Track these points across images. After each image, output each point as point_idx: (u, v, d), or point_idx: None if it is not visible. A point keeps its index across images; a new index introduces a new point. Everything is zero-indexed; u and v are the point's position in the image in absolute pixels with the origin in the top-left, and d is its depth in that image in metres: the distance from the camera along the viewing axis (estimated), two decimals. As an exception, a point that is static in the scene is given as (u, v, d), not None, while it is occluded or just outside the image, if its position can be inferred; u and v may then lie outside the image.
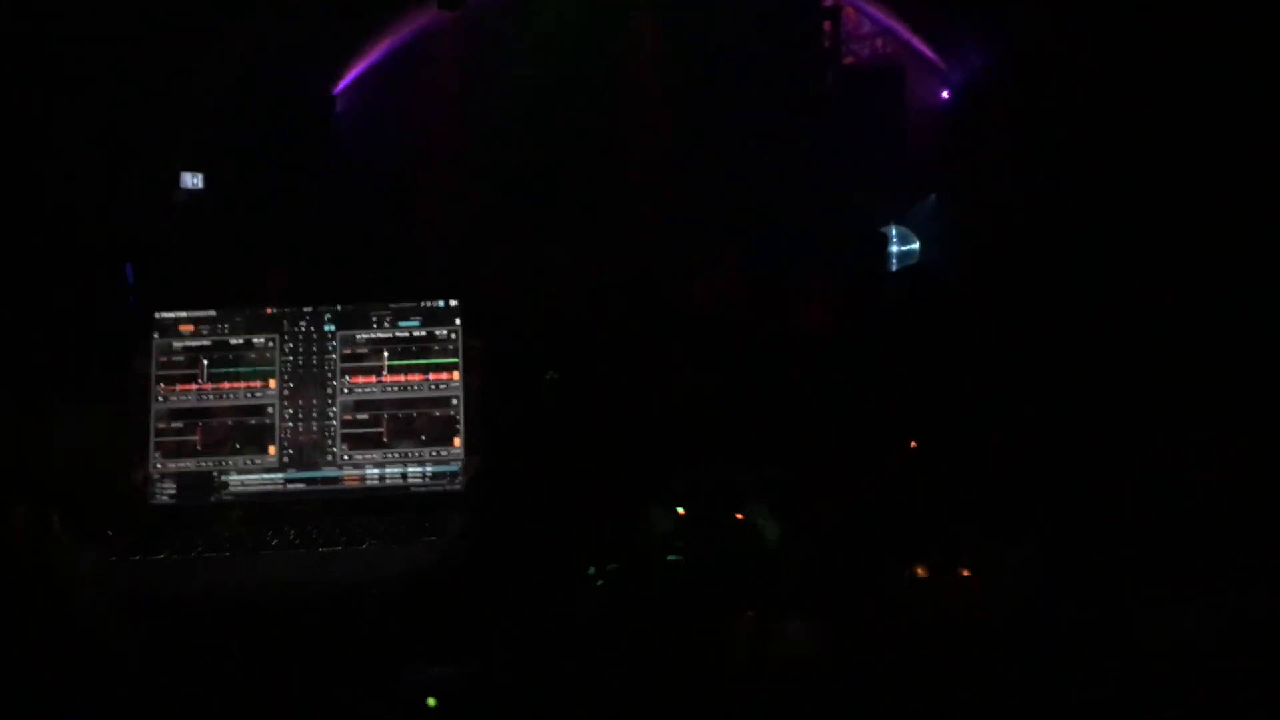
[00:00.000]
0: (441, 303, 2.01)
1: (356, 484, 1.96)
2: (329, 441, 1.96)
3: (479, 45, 6.91)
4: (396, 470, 1.96)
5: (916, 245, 6.87)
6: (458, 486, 1.96)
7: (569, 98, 5.58)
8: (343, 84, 7.38)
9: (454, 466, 1.96)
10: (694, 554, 1.70)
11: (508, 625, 1.63)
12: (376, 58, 7.59)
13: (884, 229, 6.27)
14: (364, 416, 1.97)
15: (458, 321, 2.01)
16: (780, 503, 1.79)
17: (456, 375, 1.99)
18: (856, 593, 1.49)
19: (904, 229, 6.92)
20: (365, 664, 1.48)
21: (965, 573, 1.51)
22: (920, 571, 1.52)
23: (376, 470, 1.96)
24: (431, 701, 1.36)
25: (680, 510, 1.87)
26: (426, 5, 7.10)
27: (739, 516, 1.84)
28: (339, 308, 2.00)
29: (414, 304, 2.01)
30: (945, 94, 7.18)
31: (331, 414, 1.97)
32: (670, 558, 1.70)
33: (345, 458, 1.96)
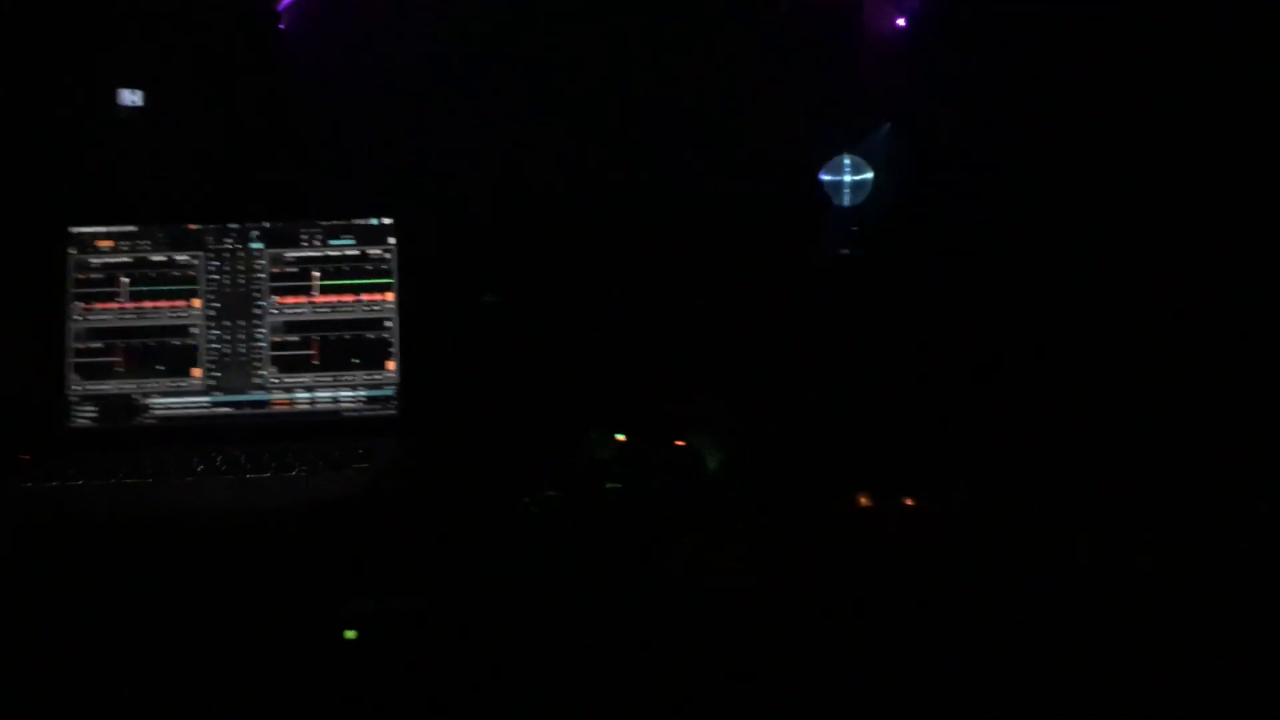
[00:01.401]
0: (375, 221, 1.93)
1: (286, 408, 1.89)
2: (257, 364, 1.89)
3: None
4: (328, 394, 1.89)
5: (870, 175, 6.75)
6: (392, 411, 1.89)
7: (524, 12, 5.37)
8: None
9: (388, 390, 1.90)
10: (632, 481, 1.66)
11: (443, 554, 1.58)
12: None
13: (838, 157, 6.21)
14: (294, 339, 1.90)
15: (392, 240, 1.93)
16: (723, 430, 1.75)
17: (390, 296, 1.91)
18: (797, 519, 1.46)
19: (858, 158, 6.80)
20: (294, 595, 1.43)
21: (909, 501, 1.49)
22: (863, 500, 1.49)
23: (307, 394, 1.89)
24: (350, 634, 1.31)
25: (620, 437, 1.82)
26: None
27: (680, 444, 1.80)
28: (266, 225, 1.91)
29: (346, 222, 1.93)
30: (901, 21, 7.09)
31: (259, 335, 1.89)
32: (609, 485, 1.66)
33: (274, 381, 1.89)
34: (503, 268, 1.98)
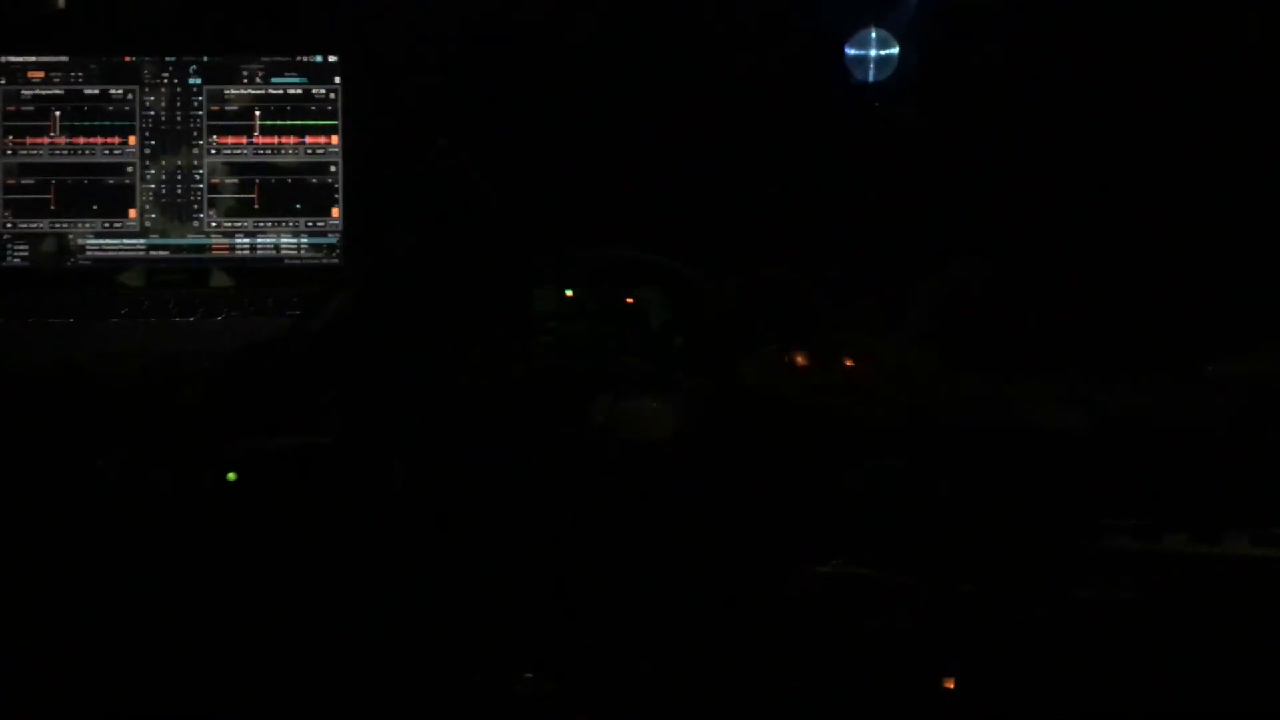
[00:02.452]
0: (320, 58, 1.82)
1: (225, 253, 1.81)
2: (195, 206, 1.80)
3: None
4: (269, 240, 1.81)
5: (896, 50, 6.50)
6: (335, 260, 1.81)
7: None
8: None
9: (332, 238, 1.81)
10: (565, 333, 1.58)
11: (366, 398, 1.50)
12: None
13: (863, 32, 5.99)
14: (233, 181, 1.81)
15: (338, 80, 1.82)
16: (678, 287, 1.65)
17: (335, 139, 1.81)
18: (725, 378, 1.37)
19: (883, 33, 6.54)
20: (192, 436, 1.36)
21: (849, 362, 1.39)
22: (800, 359, 1.39)
23: (247, 240, 1.81)
24: (231, 476, 1.25)
25: (569, 292, 1.73)
26: None
27: (630, 301, 1.70)
28: (205, 59, 1.80)
29: (290, 58, 1.81)
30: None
31: (198, 176, 1.80)
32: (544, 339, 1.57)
33: (213, 224, 1.81)
34: (459, 113, 1.87)
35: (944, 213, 1.86)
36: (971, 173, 1.91)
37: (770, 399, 1.37)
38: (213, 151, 1.80)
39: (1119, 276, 1.53)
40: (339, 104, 1.81)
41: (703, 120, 1.98)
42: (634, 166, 1.97)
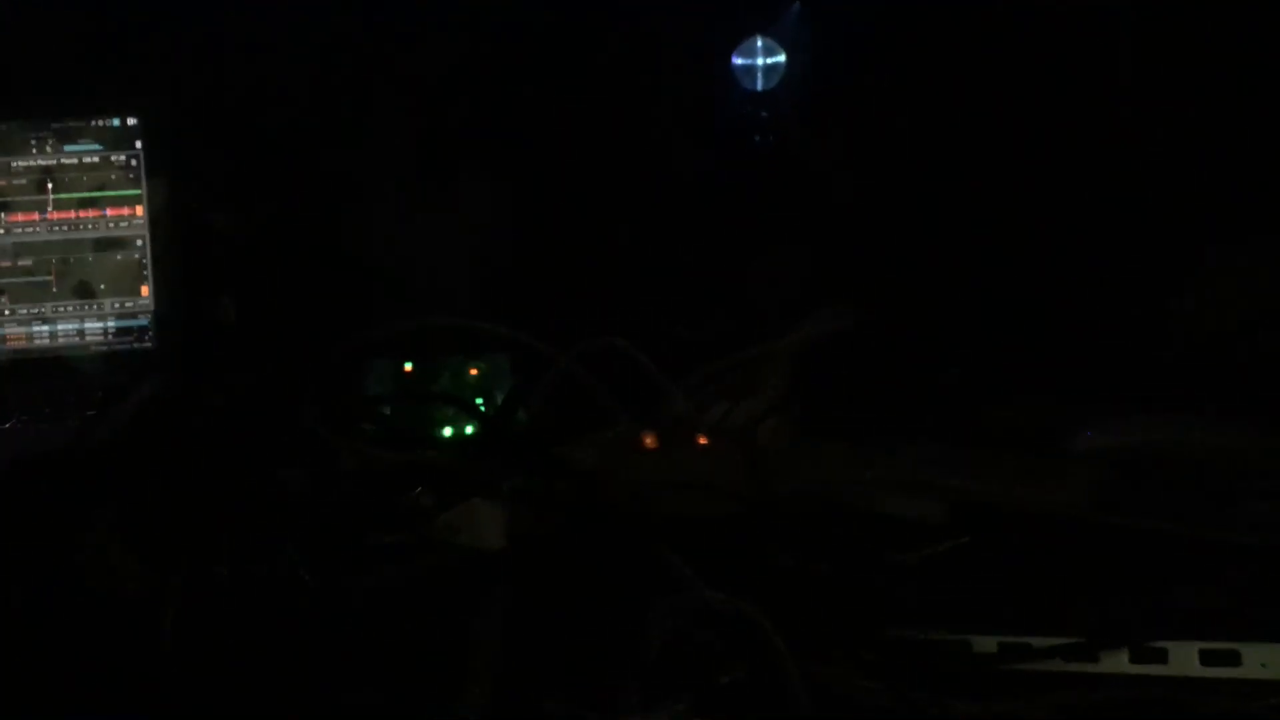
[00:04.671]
0: (117, 121, 1.65)
1: (23, 344, 1.63)
2: (-15, 294, 1.62)
3: None
4: (71, 326, 1.63)
5: (783, 58, 6.49)
6: (147, 344, 1.64)
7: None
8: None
9: (143, 320, 1.64)
10: (396, 417, 1.44)
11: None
12: None
13: (749, 40, 5.95)
14: (27, 263, 1.63)
15: (139, 144, 1.65)
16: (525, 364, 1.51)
17: (140, 210, 1.64)
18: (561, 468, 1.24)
19: (770, 41, 6.53)
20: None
21: (702, 440, 1.27)
22: (648, 441, 1.27)
23: (46, 327, 1.63)
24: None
25: (407, 366, 1.59)
26: None
27: (473, 371, 1.57)
28: (-13, 129, 1.63)
29: (83, 123, 1.64)
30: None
31: (-14, 261, 1.62)
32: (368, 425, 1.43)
33: (6, 312, 1.63)
34: (272, 172, 1.71)
35: (814, 254, 1.75)
36: (842, 205, 1.81)
37: (615, 489, 1.24)
38: (1, 232, 1.62)
39: (993, 329, 1.43)
40: (141, 171, 1.64)
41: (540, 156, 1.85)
42: (468, 211, 1.83)
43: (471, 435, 1.49)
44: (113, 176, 1.64)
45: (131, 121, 1.64)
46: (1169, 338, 1.30)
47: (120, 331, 1.64)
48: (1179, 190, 1.43)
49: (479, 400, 1.50)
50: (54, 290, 1.63)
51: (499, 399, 1.53)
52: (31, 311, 1.63)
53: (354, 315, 1.68)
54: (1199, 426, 1.15)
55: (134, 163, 1.64)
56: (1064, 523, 1.01)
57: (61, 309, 1.63)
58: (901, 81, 2.03)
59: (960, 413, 1.31)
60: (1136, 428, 1.14)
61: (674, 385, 1.38)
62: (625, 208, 1.86)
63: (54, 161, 1.63)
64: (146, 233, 1.64)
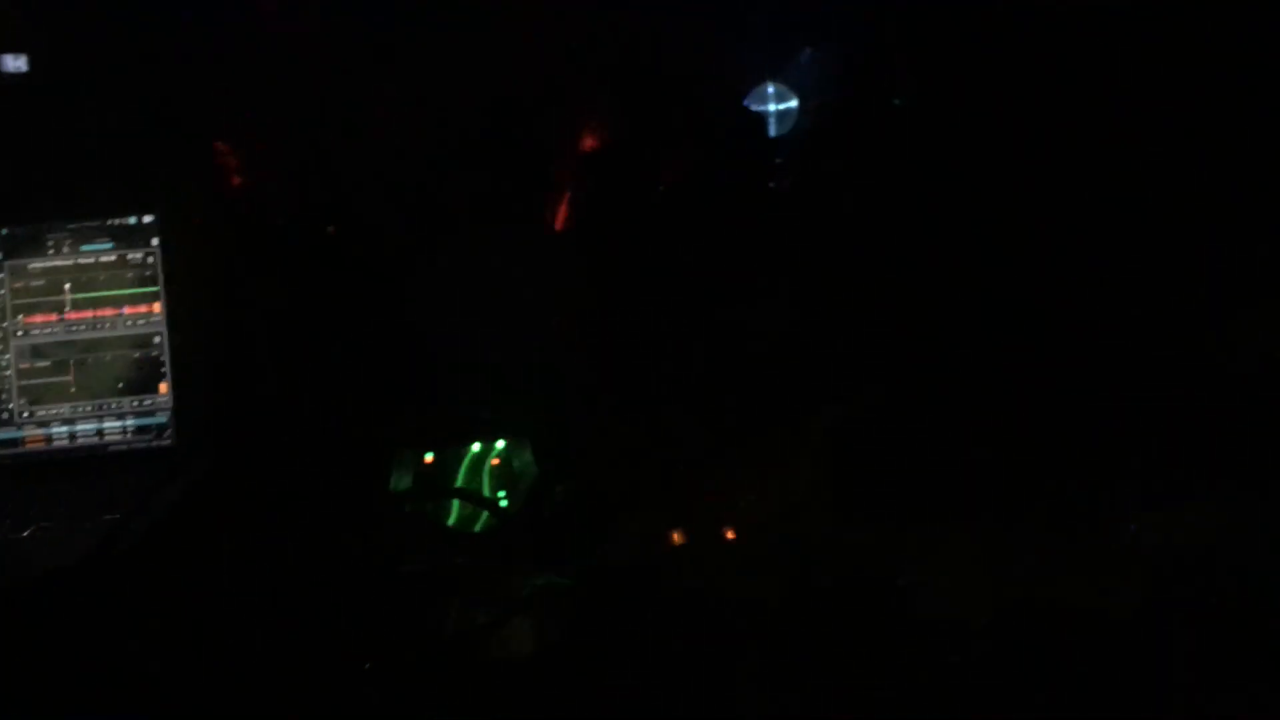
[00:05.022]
0: (134, 219, 1.64)
1: (41, 445, 1.62)
2: (4, 395, 1.61)
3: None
4: (90, 427, 1.62)
5: (795, 103, 6.52)
6: (167, 441, 1.63)
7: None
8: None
9: (161, 418, 1.63)
10: (425, 514, 1.41)
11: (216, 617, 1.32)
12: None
13: (761, 86, 5.99)
14: (45, 364, 1.62)
15: (155, 241, 1.64)
16: (548, 447, 1.49)
17: (158, 307, 1.63)
18: (597, 568, 1.21)
19: (781, 86, 6.58)
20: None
21: (730, 535, 1.24)
22: (677, 537, 1.24)
23: (65, 428, 1.62)
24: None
25: (428, 457, 1.56)
26: None
27: (495, 462, 1.55)
28: (4, 231, 1.62)
29: (100, 222, 1.64)
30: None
31: (4, 362, 1.61)
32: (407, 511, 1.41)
33: (25, 414, 1.61)
34: (290, 266, 1.70)
35: (839, 324, 1.72)
36: (870, 274, 1.77)
37: (645, 590, 1.21)
38: (19, 333, 1.62)
39: (1032, 412, 1.38)
40: (158, 268, 1.64)
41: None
42: (485, 291, 1.81)
43: (495, 528, 1.46)
44: (130, 275, 1.63)
45: (148, 219, 1.64)
46: (1215, 414, 1.26)
47: (139, 430, 1.63)
48: (1211, 269, 1.40)
49: (501, 494, 1.47)
50: (72, 390, 1.62)
51: (522, 485, 1.50)
52: (50, 412, 1.62)
53: (374, 400, 1.66)
54: (1246, 512, 1.11)
55: (150, 260, 1.64)
56: (1114, 621, 0.96)
57: (80, 409, 1.62)
58: (919, 127, 2.01)
59: (997, 494, 1.27)
60: (1185, 515, 1.10)
61: (700, 469, 1.35)
62: (643, 279, 1.83)
63: (71, 262, 1.63)
64: (164, 330, 1.63)
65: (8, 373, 1.61)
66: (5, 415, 1.61)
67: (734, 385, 1.55)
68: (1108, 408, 1.30)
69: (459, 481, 1.52)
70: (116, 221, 1.64)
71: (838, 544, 1.24)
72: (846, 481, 1.36)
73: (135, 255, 1.64)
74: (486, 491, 1.49)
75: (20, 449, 1.61)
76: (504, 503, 1.46)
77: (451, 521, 1.47)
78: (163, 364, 1.63)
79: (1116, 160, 1.52)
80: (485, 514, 1.46)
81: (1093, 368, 1.35)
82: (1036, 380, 1.36)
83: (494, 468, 1.53)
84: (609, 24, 1.97)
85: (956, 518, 1.22)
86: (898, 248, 1.65)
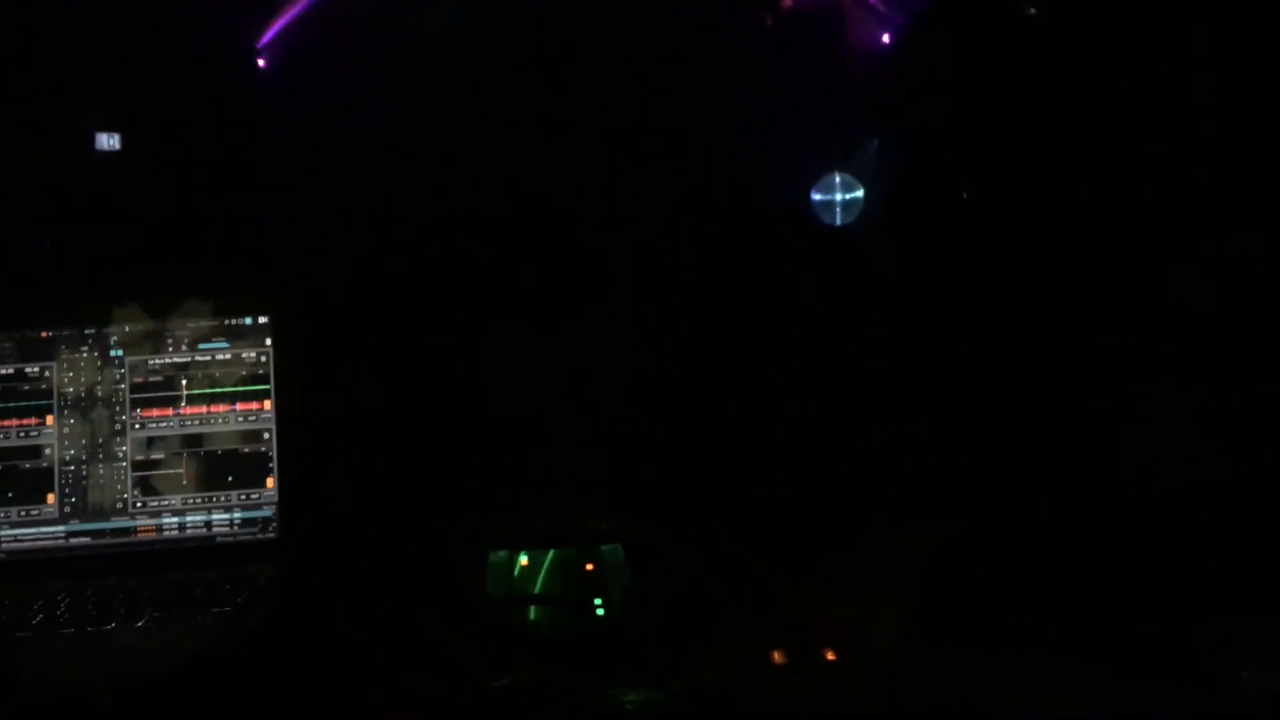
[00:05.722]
0: (249, 319, 1.72)
1: (152, 535, 1.68)
2: (119, 486, 1.68)
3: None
4: (199, 518, 1.68)
5: (861, 193, 6.58)
6: (271, 534, 1.68)
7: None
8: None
9: (267, 511, 1.69)
10: (520, 619, 1.45)
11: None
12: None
13: (828, 176, 6.08)
14: (159, 456, 1.69)
15: (269, 342, 1.72)
16: (641, 556, 1.52)
17: (268, 404, 1.70)
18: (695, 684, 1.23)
19: (848, 177, 6.65)
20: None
21: (830, 656, 1.26)
22: (777, 657, 1.26)
23: (175, 519, 1.68)
24: None
25: (523, 559, 1.60)
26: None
27: (589, 567, 1.58)
28: (127, 329, 1.70)
29: (217, 322, 1.72)
30: (886, 38, 6.88)
31: (121, 454, 1.68)
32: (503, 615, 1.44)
33: (138, 505, 1.68)
34: (392, 368, 1.77)
35: (931, 449, 1.74)
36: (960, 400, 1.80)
37: (745, 710, 1.23)
38: (137, 426, 1.69)
39: (1141, 545, 1.38)
40: (270, 367, 1.71)
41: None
42: (585, 396, 1.86)
43: (590, 636, 1.49)
44: (243, 373, 1.71)
45: (263, 320, 1.71)
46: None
47: (246, 523, 1.68)
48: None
49: (597, 601, 1.51)
50: (184, 483, 1.69)
51: (616, 592, 1.53)
52: (162, 504, 1.68)
53: (472, 501, 1.71)
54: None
55: (264, 359, 1.71)
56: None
57: (190, 501, 1.68)
58: (981, 221, 2.05)
59: (1095, 627, 1.28)
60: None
61: (795, 589, 1.37)
62: (741, 394, 1.87)
63: (189, 359, 1.70)
64: (274, 426, 1.69)
65: (123, 464, 1.68)
66: (120, 505, 1.68)
67: (830, 500, 1.58)
68: (1214, 548, 1.31)
69: (553, 587, 1.56)
70: (233, 321, 1.72)
71: (935, 670, 1.25)
72: (937, 606, 1.38)
73: (249, 354, 1.71)
74: (581, 598, 1.52)
75: (133, 538, 1.67)
76: (600, 610, 1.49)
77: (545, 627, 1.50)
78: (271, 459, 1.70)
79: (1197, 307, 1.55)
80: (580, 620, 1.49)
81: (1196, 511, 1.37)
82: (1147, 513, 1.37)
83: (589, 573, 1.57)
84: (672, 113, 2.04)
85: (1056, 652, 1.23)
86: (996, 364, 1.69)
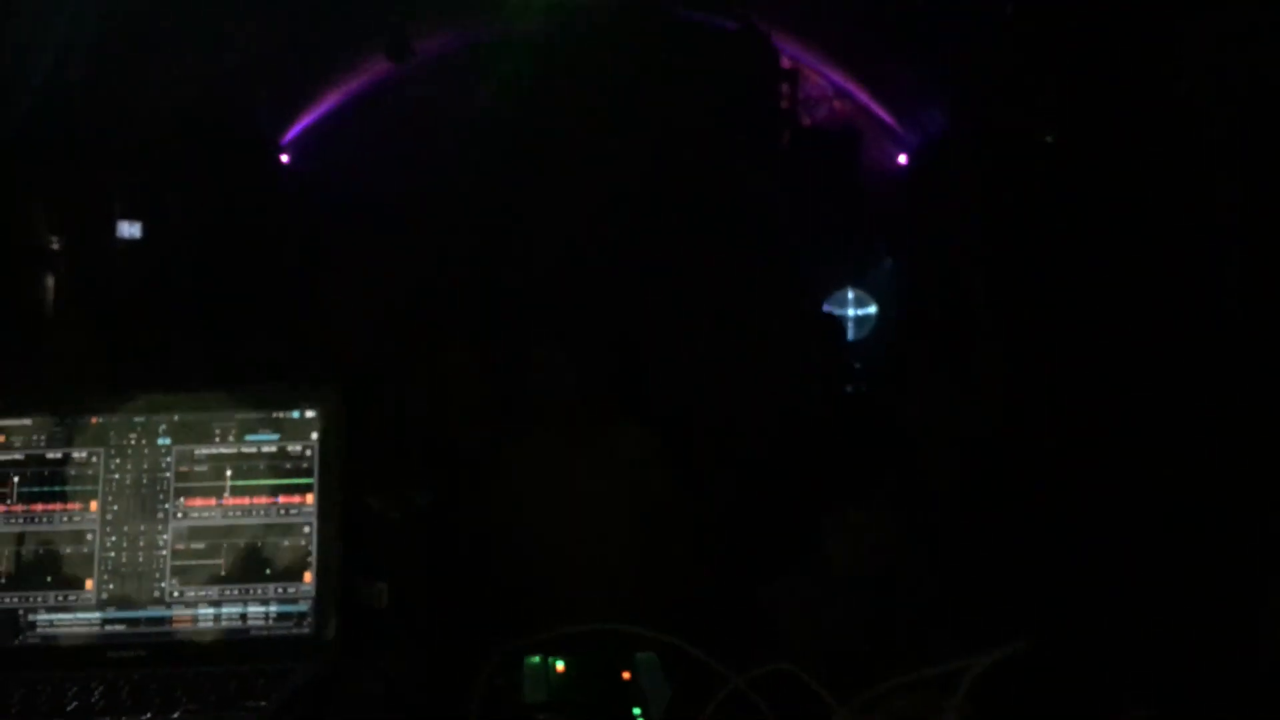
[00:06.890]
0: (297, 413, 1.75)
1: (187, 626, 1.68)
2: (157, 575, 1.68)
3: (431, 100, 6.74)
4: (235, 610, 1.68)
5: (874, 309, 6.74)
6: (306, 629, 1.68)
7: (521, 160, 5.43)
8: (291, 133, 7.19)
9: (303, 606, 1.69)
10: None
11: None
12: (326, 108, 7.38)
13: (841, 291, 6.15)
14: (200, 545, 1.70)
15: (314, 435, 1.74)
16: (677, 665, 1.52)
17: (310, 499, 1.72)
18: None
19: (861, 292, 6.81)
20: None
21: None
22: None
23: (211, 610, 1.68)
24: None
25: (559, 666, 1.60)
26: (379, 54, 6.91)
27: (626, 676, 1.58)
28: (176, 417, 1.73)
29: (265, 414, 1.74)
30: (902, 158, 7.04)
31: (162, 542, 1.69)
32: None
33: (175, 594, 1.68)
34: (435, 467, 1.79)
35: (982, 566, 1.75)
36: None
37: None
38: (179, 515, 1.70)
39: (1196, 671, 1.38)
40: (315, 461, 1.73)
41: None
42: (620, 505, 1.88)
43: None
44: (288, 466, 1.72)
45: (310, 414, 1.74)
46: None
47: (281, 616, 1.68)
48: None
49: (637, 711, 1.50)
50: (222, 574, 1.69)
51: (655, 703, 1.53)
52: (199, 594, 1.68)
53: (508, 606, 1.71)
54: None
55: (309, 453, 1.73)
56: None
57: (228, 592, 1.69)
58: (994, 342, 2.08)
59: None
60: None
61: (844, 710, 1.37)
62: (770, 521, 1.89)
63: (235, 450, 1.72)
64: (315, 520, 1.71)
65: (164, 553, 1.69)
66: (157, 594, 1.68)
67: (869, 627, 1.58)
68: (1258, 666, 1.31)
69: (590, 695, 1.55)
70: (281, 414, 1.74)
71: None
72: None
73: (295, 447, 1.73)
74: (620, 707, 1.52)
75: (168, 627, 1.67)
76: (639, 720, 1.49)
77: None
78: (310, 553, 1.70)
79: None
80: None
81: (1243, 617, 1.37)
82: (1205, 634, 1.37)
83: (626, 682, 1.56)
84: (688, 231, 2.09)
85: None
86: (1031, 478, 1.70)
